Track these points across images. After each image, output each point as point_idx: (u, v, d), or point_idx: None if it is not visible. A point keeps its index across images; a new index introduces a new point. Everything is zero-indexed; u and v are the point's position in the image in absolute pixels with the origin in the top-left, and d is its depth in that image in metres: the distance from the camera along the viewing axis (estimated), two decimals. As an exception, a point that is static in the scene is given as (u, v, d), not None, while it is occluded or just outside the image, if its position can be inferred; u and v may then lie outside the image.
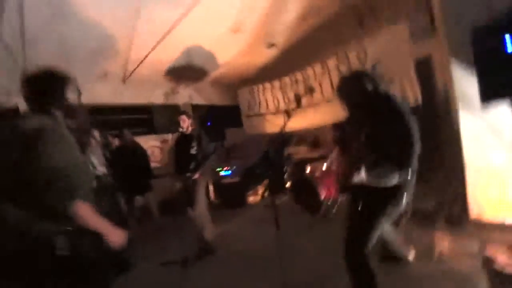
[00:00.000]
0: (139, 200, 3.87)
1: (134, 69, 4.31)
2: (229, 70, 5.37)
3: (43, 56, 3.48)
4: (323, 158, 3.99)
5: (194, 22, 3.66)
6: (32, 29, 3.07)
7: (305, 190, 3.28)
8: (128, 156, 3.83)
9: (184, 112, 3.06)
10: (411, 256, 2.09)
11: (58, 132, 1.13)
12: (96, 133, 3.29)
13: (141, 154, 4.07)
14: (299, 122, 5.08)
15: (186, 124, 3.00)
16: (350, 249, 1.58)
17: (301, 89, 4.94)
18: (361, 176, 1.47)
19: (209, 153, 3.02)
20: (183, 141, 3.02)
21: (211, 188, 4.86)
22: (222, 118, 6.18)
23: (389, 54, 3.74)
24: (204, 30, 4.02)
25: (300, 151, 4.48)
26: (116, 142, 4.07)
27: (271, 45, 4.68)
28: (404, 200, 1.64)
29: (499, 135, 2.39)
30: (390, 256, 2.09)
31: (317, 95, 4.75)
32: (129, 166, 3.71)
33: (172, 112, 5.85)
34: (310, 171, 3.93)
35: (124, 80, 4.59)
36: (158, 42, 3.79)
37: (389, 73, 3.78)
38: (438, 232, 2.52)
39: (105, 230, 1.16)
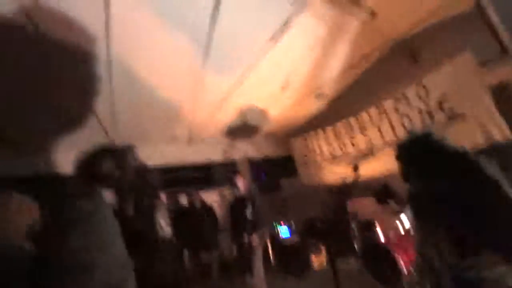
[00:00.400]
0: (203, 257, 3.87)
1: (200, 132, 4.84)
2: (280, 122, 5.58)
3: (123, 126, 4.23)
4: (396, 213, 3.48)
5: (247, 86, 4.07)
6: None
7: (380, 257, 2.78)
8: (197, 214, 4.03)
9: (237, 172, 3.17)
10: None
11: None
12: (162, 195, 3.61)
13: (210, 212, 4.24)
14: (361, 170, 4.73)
15: (241, 183, 3.07)
16: None
17: (357, 135, 4.71)
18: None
19: (262, 221, 2.96)
20: (238, 204, 3.06)
21: (270, 251, 4.61)
22: (276, 169, 6.20)
23: (455, 87, 3.37)
24: (256, 92, 4.39)
25: (366, 204, 4.01)
26: (184, 199, 4.36)
27: (319, 95, 4.76)
28: None
29: None
30: None
31: (376, 140, 4.45)
32: (198, 223, 3.87)
33: (230, 167, 6.21)
34: (384, 234, 3.42)
35: (189, 141, 5.18)
36: (217, 107, 4.27)
37: (459, 107, 3.36)
38: None
39: None
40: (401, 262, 2.54)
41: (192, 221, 3.83)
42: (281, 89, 4.71)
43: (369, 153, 4.60)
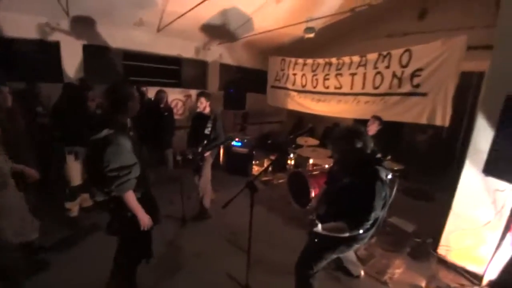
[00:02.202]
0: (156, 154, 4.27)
1: (172, 22, 4.26)
2: (264, 36, 5.12)
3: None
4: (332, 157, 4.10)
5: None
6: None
7: (300, 182, 3.49)
8: (158, 113, 4.10)
9: (203, 94, 3.17)
10: (359, 273, 2.45)
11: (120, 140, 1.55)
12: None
13: (170, 116, 4.33)
14: (323, 107, 5.05)
15: (203, 105, 3.15)
16: (300, 263, 1.89)
17: (332, 77, 4.74)
18: (318, 226, 1.64)
19: (220, 140, 3.24)
20: (200, 119, 3.22)
21: (222, 152, 5.20)
22: (246, 82, 6.16)
23: (434, 66, 3.46)
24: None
25: (310, 142, 4.56)
26: (147, 92, 4.28)
27: (309, 28, 4.35)
28: (358, 244, 1.87)
29: (498, 194, 2.39)
30: (343, 267, 2.45)
31: (345, 87, 4.59)
32: (158, 122, 4.03)
33: (200, 67, 5.92)
34: (311, 167, 4.10)
35: (158, 30, 4.58)
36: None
37: (426, 87, 3.57)
38: (399, 258, 2.78)
39: (139, 214, 1.65)
40: (312, 191, 3.30)
41: (152, 119, 3.98)
42: (275, 1, 4.12)
43: (333, 97, 4.82)
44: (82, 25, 4.09)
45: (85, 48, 4.25)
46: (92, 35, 4.25)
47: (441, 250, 2.78)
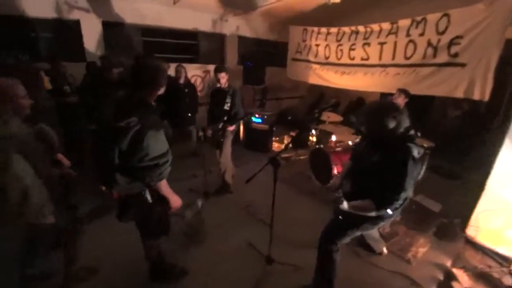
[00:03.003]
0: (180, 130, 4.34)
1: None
2: (284, 4, 4.78)
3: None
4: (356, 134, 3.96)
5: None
6: None
7: (322, 159, 3.44)
8: (179, 89, 4.08)
9: (223, 69, 3.09)
10: (381, 250, 2.45)
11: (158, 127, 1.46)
12: None
13: (192, 92, 4.32)
14: (347, 80, 4.78)
15: (224, 80, 3.09)
16: (323, 239, 1.89)
17: (358, 47, 4.41)
18: (344, 203, 1.61)
19: (239, 115, 3.20)
20: (219, 94, 3.18)
21: (241, 128, 5.20)
22: (265, 56, 5.91)
23: (476, 33, 3.10)
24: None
25: (333, 118, 4.39)
26: (169, 68, 4.23)
27: None
28: (384, 222, 1.83)
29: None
30: (366, 243, 2.46)
31: (373, 58, 4.28)
32: (178, 100, 4.05)
33: (218, 41, 5.74)
34: (334, 143, 3.99)
35: (174, 1, 4.43)
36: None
37: (465, 57, 3.24)
38: (424, 237, 2.72)
39: (172, 197, 1.64)
40: (335, 168, 3.25)
41: (175, 97, 3.99)
42: (297, -36, 3.78)
43: (359, 69, 4.53)
44: (99, 0, 4.03)
45: (105, 25, 4.23)
46: (110, 12, 4.20)
47: (470, 231, 2.68)
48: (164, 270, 2.07)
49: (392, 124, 1.51)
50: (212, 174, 3.66)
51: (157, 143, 1.44)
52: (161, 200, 1.63)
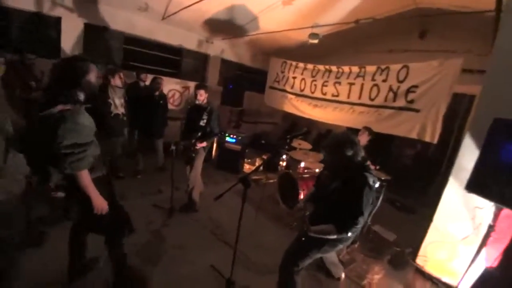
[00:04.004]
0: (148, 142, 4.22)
1: (177, 11, 4.23)
2: (268, 37, 5.17)
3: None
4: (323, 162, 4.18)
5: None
6: None
7: (290, 184, 3.55)
8: (152, 100, 4.04)
9: (202, 87, 3.18)
10: (339, 276, 2.53)
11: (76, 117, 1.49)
12: (119, 76, 3.48)
13: (164, 103, 4.27)
14: (318, 113, 5.13)
15: (202, 98, 3.16)
16: (284, 262, 1.94)
17: (330, 85, 4.83)
18: (308, 226, 1.72)
19: (214, 132, 3.25)
20: (197, 110, 3.22)
21: (215, 146, 5.21)
22: (245, 81, 6.16)
23: (429, 85, 3.59)
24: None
25: (303, 145, 4.62)
26: (147, 79, 4.22)
27: (313, 34, 4.42)
28: (343, 245, 1.94)
29: (478, 211, 2.51)
30: (326, 268, 2.52)
31: (343, 95, 4.69)
32: (151, 112, 3.98)
33: (201, 60, 5.90)
34: (302, 169, 4.16)
35: (163, 18, 4.55)
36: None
37: (419, 104, 3.70)
38: (379, 265, 2.88)
39: (95, 195, 1.59)
40: (301, 193, 3.36)
41: (147, 108, 3.93)
42: (282, 4, 4.17)
43: (330, 104, 4.91)
44: (86, 2, 4.01)
45: (87, 26, 4.17)
46: (95, 14, 4.18)
47: (419, 260, 2.88)
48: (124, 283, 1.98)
49: (349, 152, 1.68)
50: (178, 191, 3.55)
51: (74, 132, 1.47)
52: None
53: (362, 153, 1.75)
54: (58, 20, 3.90)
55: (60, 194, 1.61)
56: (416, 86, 3.73)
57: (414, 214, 4.41)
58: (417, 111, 3.77)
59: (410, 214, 4.45)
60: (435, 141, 3.59)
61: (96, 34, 4.31)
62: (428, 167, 5.12)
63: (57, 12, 3.86)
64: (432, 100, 3.58)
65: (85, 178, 1.54)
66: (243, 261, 2.51)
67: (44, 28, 3.91)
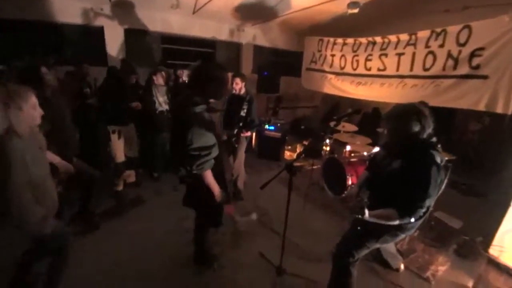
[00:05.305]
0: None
1: (206, 3, 4.21)
2: (301, 14, 4.85)
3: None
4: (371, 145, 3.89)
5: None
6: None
7: (336, 169, 3.36)
8: None
9: (238, 75, 3.14)
10: (398, 267, 2.33)
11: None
12: (161, 75, 3.61)
13: None
14: (363, 91, 4.72)
15: (239, 86, 3.13)
16: (338, 253, 1.81)
17: (375, 58, 4.37)
18: (365, 211, 1.47)
19: (255, 122, 3.21)
20: (235, 101, 3.21)
21: (254, 135, 5.21)
22: (280, 65, 5.94)
23: (499, 45, 3.01)
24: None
25: (348, 128, 4.32)
26: (185, 74, 4.33)
27: (355, 2, 3.98)
28: (405, 234, 1.76)
29: None
30: (383, 259, 2.35)
31: (390, 68, 4.22)
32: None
33: (234, 50, 5.85)
34: (348, 153, 3.91)
35: (194, 12, 4.57)
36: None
37: (487, 69, 3.14)
38: (443, 255, 2.59)
39: (217, 191, 1.79)
40: (349, 179, 3.17)
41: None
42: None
43: (376, 80, 4.47)
44: (123, 9, 4.22)
45: (127, 32, 4.41)
46: (132, 20, 4.39)
47: (493, 251, 2.52)
48: (203, 257, 2.25)
49: (416, 128, 1.47)
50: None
51: (202, 136, 1.62)
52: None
53: (430, 129, 1.51)
54: (101, 30, 4.19)
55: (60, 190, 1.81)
56: (482, 49, 3.14)
57: (484, 198, 3.86)
58: (485, 77, 3.19)
59: (480, 198, 3.90)
60: (510, 111, 3.03)
61: (135, 37, 4.55)
62: (500, 143, 4.38)
63: (99, 21, 4.15)
64: (504, 63, 2.98)
65: (209, 177, 1.74)
66: (292, 249, 2.49)
67: (90, 38, 4.24)
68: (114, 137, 3.16)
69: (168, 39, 4.91)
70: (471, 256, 2.56)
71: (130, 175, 3.59)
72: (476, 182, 4.16)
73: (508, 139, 4.35)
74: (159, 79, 3.62)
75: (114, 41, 4.33)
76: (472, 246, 2.62)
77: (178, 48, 5.09)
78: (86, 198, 2.64)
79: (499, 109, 3.10)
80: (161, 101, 3.67)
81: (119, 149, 3.22)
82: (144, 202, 3.28)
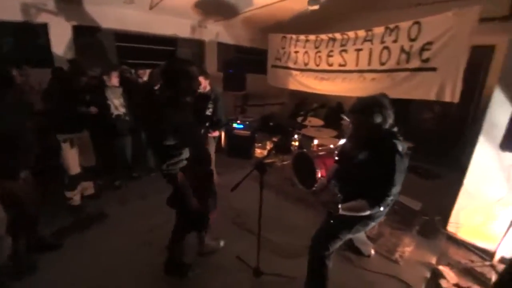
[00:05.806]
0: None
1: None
2: (264, 11, 4.84)
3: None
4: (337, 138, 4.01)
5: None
6: None
7: (306, 163, 3.42)
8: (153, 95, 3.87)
9: (202, 73, 3.02)
10: (369, 253, 2.46)
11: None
12: (114, 75, 3.33)
13: None
14: (326, 86, 4.87)
15: (203, 85, 3.01)
16: (313, 247, 1.84)
17: (336, 54, 4.52)
18: (339, 208, 1.54)
19: (222, 121, 3.13)
20: (200, 100, 3.08)
21: (223, 134, 5.10)
22: (246, 63, 5.89)
23: (445, 39, 3.27)
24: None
25: (314, 122, 4.42)
26: (146, 74, 4.04)
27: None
28: (375, 222, 1.83)
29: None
30: (355, 247, 2.45)
31: (350, 64, 4.40)
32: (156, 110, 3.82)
33: (197, 47, 5.65)
34: (316, 147, 4.00)
35: (150, 7, 4.30)
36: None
37: (436, 62, 3.40)
38: (408, 236, 2.77)
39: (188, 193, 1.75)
40: (318, 172, 3.24)
41: (150, 107, 3.80)
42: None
43: (337, 75, 4.63)
44: (70, 4, 3.82)
45: (75, 29, 4.00)
46: (81, 16, 3.99)
47: (451, 227, 2.76)
48: (176, 266, 2.16)
49: (378, 119, 1.52)
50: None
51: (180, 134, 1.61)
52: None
53: (391, 119, 1.57)
54: (44, 27, 3.75)
55: None
56: (430, 43, 3.41)
57: (439, 180, 4.23)
58: (434, 69, 3.47)
59: (434, 180, 4.26)
60: (457, 100, 3.32)
61: (86, 35, 4.14)
62: (449, 129, 4.83)
63: (43, 18, 3.70)
64: (449, 56, 3.26)
65: (180, 178, 1.70)
66: (269, 247, 2.47)
67: (32, 36, 3.77)
68: (65, 146, 2.83)
69: (124, 36, 4.56)
70: (432, 235, 2.78)
71: (88, 187, 3.26)
72: (430, 165, 4.53)
73: (455, 125, 4.82)
74: (112, 80, 3.33)
75: (60, 39, 3.89)
76: (432, 225, 2.83)
77: (135, 47, 4.75)
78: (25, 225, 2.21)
79: (448, 98, 3.39)
80: (117, 104, 3.39)
81: (72, 159, 2.89)
82: (106, 216, 2.99)
